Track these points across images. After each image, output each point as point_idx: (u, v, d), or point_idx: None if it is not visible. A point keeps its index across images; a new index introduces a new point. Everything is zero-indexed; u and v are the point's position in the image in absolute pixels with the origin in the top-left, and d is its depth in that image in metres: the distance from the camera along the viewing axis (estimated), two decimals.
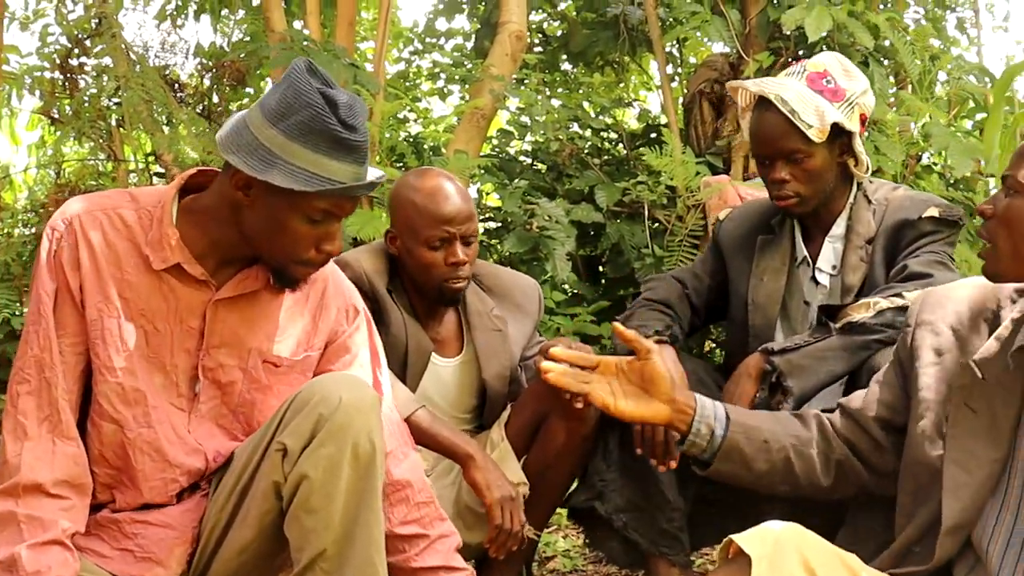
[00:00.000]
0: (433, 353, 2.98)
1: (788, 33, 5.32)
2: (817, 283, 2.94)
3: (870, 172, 2.97)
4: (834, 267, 2.92)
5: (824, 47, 5.30)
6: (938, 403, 2.13)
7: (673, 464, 2.74)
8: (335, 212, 2.21)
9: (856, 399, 2.32)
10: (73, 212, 2.25)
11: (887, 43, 5.55)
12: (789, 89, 2.84)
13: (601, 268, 6.04)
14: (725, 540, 1.87)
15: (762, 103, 2.88)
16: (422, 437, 2.68)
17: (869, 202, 2.92)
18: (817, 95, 2.84)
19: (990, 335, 2.11)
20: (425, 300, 3.00)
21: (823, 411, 2.38)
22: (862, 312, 2.71)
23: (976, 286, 2.20)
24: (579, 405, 2.72)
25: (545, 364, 2.27)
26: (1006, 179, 2.00)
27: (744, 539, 1.83)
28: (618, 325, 2.33)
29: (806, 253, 2.97)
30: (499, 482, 2.75)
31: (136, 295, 2.26)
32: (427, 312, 3.01)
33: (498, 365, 3.03)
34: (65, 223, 2.25)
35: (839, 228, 2.94)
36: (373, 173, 2.23)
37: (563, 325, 5.26)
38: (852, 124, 2.86)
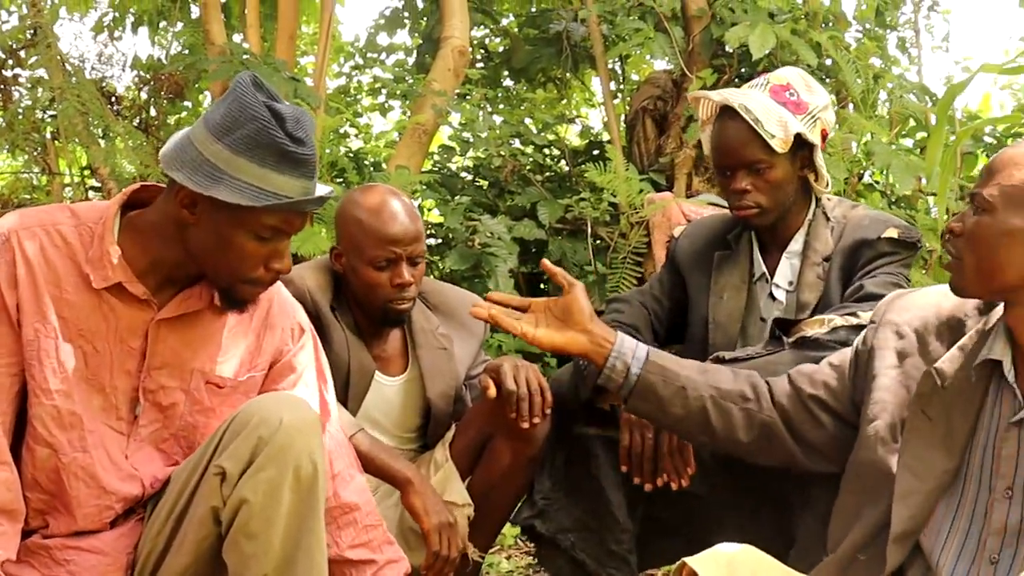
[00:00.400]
0: (377, 372, 2.92)
1: (731, 51, 5.34)
2: (774, 299, 2.92)
3: (830, 188, 2.95)
4: (790, 283, 2.89)
5: (767, 65, 5.32)
6: (895, 406, 2.13)
7: (660, 483, 2.71)
8: (284, 229, 2.16)
9: (804, 371, 2.34)
10: (10, 227, 2.17)
11: (829, 62, 5.58)
12: (753, 99, 2.82)
13: (543, 286, 6.01)
14: (678, 563, 1.84)
15: (725, 113, 2.86)
16: (360, 461, 2.62)
17: (827, 219, 2.90)
18: (780, 107, 2.82)
19: (954, 344, 2.11)
20: (370, 318, 2.94)
21: None
22: (816, 328, 2.68)
23: (945, 294, 2.17)
24: (525, 425, 2.68)
25: (475, 309, 2.33)
26: (974, 197, 1.99)
27: (698, 561, 1.79)
28: (545, 260, 2.40)
29: (764, 269, 2.94)
30: (437, 507, 2.70)
31: (75, 314, 2.18)
32: (372, 330, 2.95)
33: (443, 384, 2.97)
34: (2, 238, 2.16)
35: (797, 244, 2.91)
36: (322, 189, 2.17)
37: (504, 342, 5.23)
38: (814, 137, 2.85)
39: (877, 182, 5.58)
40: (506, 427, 2.76)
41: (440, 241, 5.77)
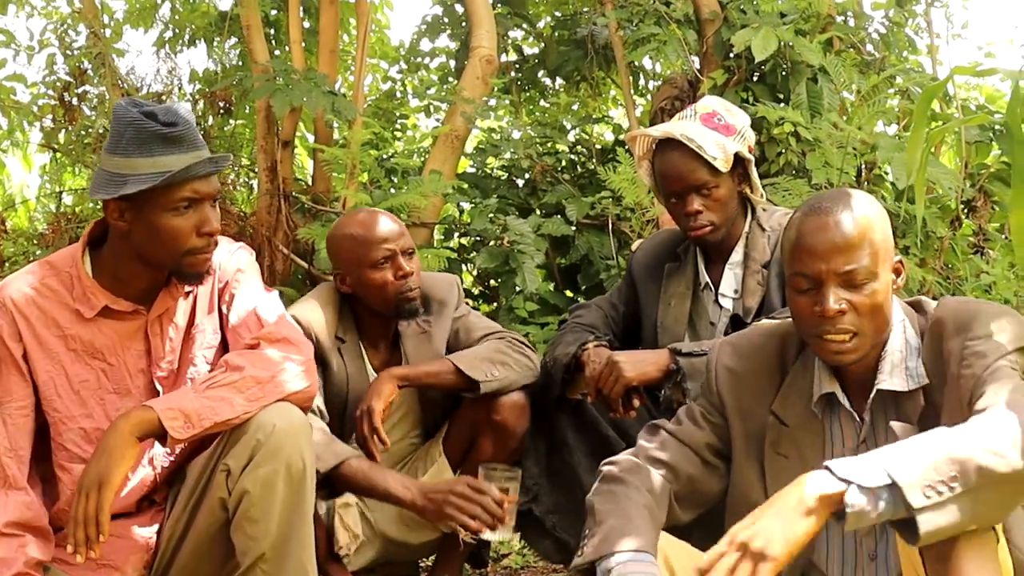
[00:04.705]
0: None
1: (739, 53, 5.56)
2: (721, 307, 3.22)
3: (764, 198, 3.25)
4: (736, 291, 3.20)
5: (775, 64, 5.58)
6: (751, 449, 2.40)
7: (633, 414, 3.04)
8: (195, 197, 2.54)
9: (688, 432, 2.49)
10: (5, 294, 2.63)
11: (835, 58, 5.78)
12: (690, 129, 3.13)
13: (578, 277, 6.29)
14: None
15: (665, 145, 3.16)
16: (357, 486, 2.95)
17: (763, 229, 3.20)
18: (713, 132, 3.13)
19: (782, 380, 2.40)
20: (379, 327, 3.30)
21: None
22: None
23: (767, 334, 2.48)
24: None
25: None
26: (849, 275, 2.19)
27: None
28: None
29: (707, 279, 3.25)
30: (430, 493, 2.92)
31: (83, 343, 2.64)
32: (376, 336, 3.33)
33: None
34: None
35: (737, 255, 3.21)
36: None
37: (533, 333, 5.55)
38: (747, 153, 3.15)
39: (887, 173, 5.76)
40: (488, 422, 3.13)
41: (476, 240, 6.10)
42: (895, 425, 2.23)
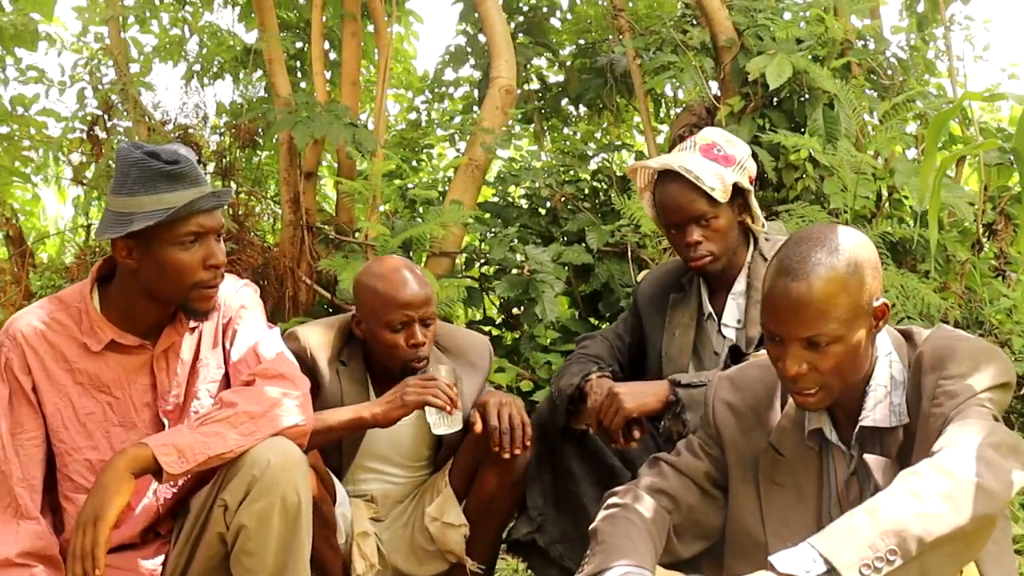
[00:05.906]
0: None
1: (755, 80, 5.57)
2: (724, 336, 3.24)
3: (765, 227, 3.26)
4: (739, 321, 3.22)
5: (791, 91, 5.58)
6: (748, 480, 2.43)
7: (635, 445, 3.06)
8: (201, 231, 2.62)
9: (687, 462, 2.55)
10: (15, 328, 2.69)
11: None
12: (689, 160, 3.15)
13: (600, 305, 6.31)
14: None
15: (665, 177, 3.19)
16: (317, 434, 2.87)
17: (765, 259, 3.20)
18: (712, 163, 3.15)
19: (779, 413, 2.42)
20: (387, 370, 3.27)
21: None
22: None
23: (765, 367, 2.48)
24: (506, 456, 3.04)
25: None
26: (812, 339, 2.18)
27: None
28: None
29: (711, 309, 3.27)
30: (390, 398, 3.01)
31: (89, 376, 2.70)
32: (385, 375, 3.29)
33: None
34: (9, 338, 2.68)
35: (740, 285, 3.23)
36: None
37: (555, 361, 5.57)
38: (746, 183, 3.17)
39: (907, 197, 5.75)
40: (490, 456, 3.13)
41: (496, 268, 6.13)
42: (869, 459, 2.27)
